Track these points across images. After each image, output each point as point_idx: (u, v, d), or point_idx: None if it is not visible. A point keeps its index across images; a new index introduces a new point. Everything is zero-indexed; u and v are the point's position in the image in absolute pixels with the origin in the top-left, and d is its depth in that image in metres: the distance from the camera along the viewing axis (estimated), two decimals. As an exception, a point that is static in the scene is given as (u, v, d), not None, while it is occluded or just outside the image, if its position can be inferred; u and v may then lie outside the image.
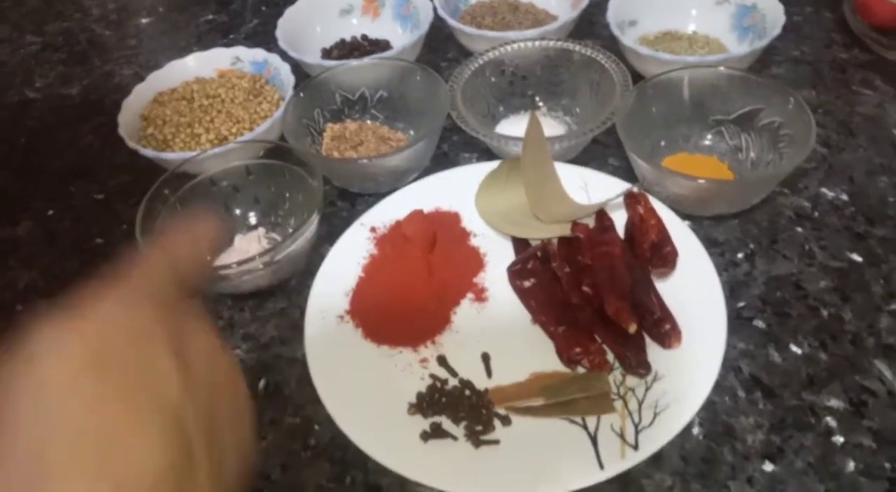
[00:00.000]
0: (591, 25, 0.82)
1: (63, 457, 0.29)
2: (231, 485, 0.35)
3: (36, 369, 0.30)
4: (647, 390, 0.49)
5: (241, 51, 0.76)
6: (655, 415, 0.47)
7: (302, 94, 0.68)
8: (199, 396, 0.33)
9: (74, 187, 0.74)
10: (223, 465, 0.34)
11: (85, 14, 1.01)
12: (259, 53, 0.75)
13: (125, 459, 0.30)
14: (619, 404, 0.48)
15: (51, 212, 0.72)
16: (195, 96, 0.72)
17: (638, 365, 0.49)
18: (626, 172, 0.65)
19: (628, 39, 0.71)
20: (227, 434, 0.35)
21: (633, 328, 0.49)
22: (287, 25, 0.78)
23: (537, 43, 0.71)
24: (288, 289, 0.61)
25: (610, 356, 0.51)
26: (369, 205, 0.64)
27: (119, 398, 0.31)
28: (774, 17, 0.70)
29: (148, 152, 0.65)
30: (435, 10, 0.78)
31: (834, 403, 0.49)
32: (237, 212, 0.64)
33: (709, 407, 0.49)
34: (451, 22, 0.76)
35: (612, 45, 0.73)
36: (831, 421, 0.49)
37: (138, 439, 0.30)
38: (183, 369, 0.33)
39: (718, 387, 0.48)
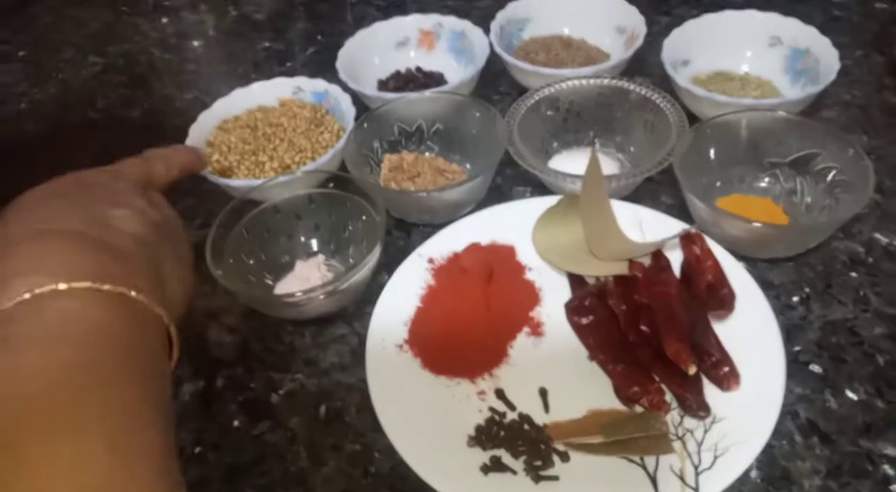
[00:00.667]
0: (642, 64, 0.83)
1: (54, 211, 0.42)
2: (183, 296, 0.47)
3: (26, 194, 0.44)
4: (706, 432, 0.49)
5: (302, 81, 0.78)
6: (715, 457, 0.47)
7: (364, 126, 0.70)
8: (160, 218, 0.47)
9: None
10: (177, 273, 0.47)
11: (144, 37, 1.05)
12: (320, 84, 0.77)
13: (107, 216, 0.43)
14: (677, 445, 0.49)
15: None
16: (259, 125, 0.74)
17: (698, 407, 0.50)
18: (680, 211, 0.66)
19: (682, 79, 0.72)
20: (182, 257, 0.49)
21: (692, 370, 0.50)
22: (346, 56, 0.81)
23: (592, 81, 0.72)
24: (347, 315, 0.63)
25: (668, 396, 0.52)
26: (425, 235, 0.65)
27: (100, 191, 0.45)
28: (828, 61, 0.71)
29: (217, 179, 0.67)
30: (490, 45, 0.80)
31: (891, 451, 0.50)
32: (300, 239, 0.66)
33: (766, 451, 0.49)
34: (507, 58, 0.78)
35: (664, 84, 0.74)
36: (889, 469, 0.49)
37: (117, 210, 0.44)
38: (148, 201, 0.48)
39: (776, 431, 0.48)
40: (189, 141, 0.72)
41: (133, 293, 0.39)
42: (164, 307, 0.41)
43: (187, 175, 0.58)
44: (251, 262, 0.63)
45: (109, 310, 0.38)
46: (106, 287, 0.38)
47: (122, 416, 0.34)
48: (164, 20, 1.07)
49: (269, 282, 0.64)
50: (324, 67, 0.84)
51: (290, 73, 0.82)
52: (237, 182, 0.67)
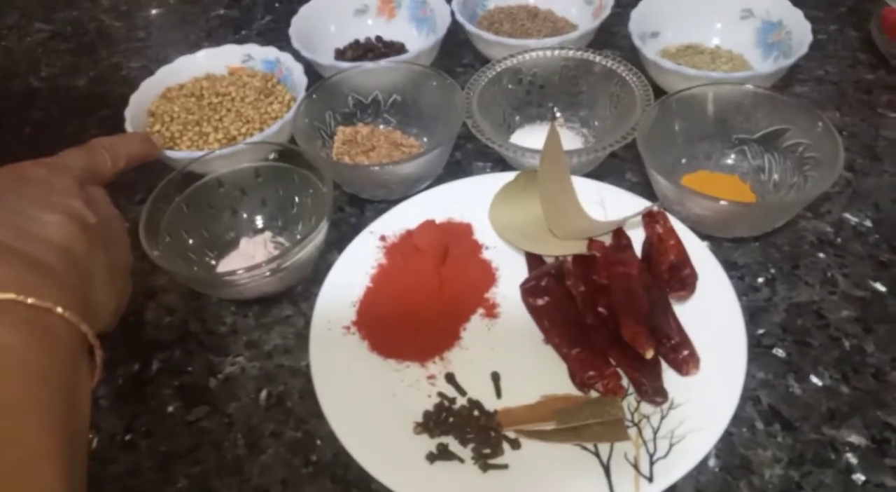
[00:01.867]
0: (611, 35, 0.80)
1: None
2: (114, 308, 0.47)
3: None
4: (662, 418, 0.47)
5: (253, 48, 0.74)
6: (671, 445, 0.45)
7: (314, 96, 0.66)
8: (98, 221, 0.46)
9: (77, 182, 0.72)
10: (108, 285, 0.46)
11: (95, 3, 1.00)
12: (271, 52, 0.73)
13: (35, 224, 0.41)
14: (633, 431, 0.47)
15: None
16: (205, 94, 0.70)
17: (654, 393, 0.47)
18: (644, 188, 0.63)
19: (650, 52, 0.69)
20: (116, 264, 0.48)
21: (650, 354, 0.47)
22: (301, 24, 0.77)
23: (556, 52, 0.69)
24: (293, 295, 0.60)
25: (624, 381, 0.50)
26: (379, 212, 0.62)
27: (34, 191, 0.44)
28: (801, 35, 0.69)
29: (156, 150, 0.63)
30: (452, 14, 0.76)
31: (855, 439, 0.48)
32: (244, 215, 0.63)
33: (726, 438, 0.47)
34: (469, 27, 0.74)
35: (632, 57, 0.71)
36: (852, 458, 0.47)
37: (48, 215, 0.42)
38: (87, 199, 0.47)
39: (736, 418, 0.46)
40: (130, 110, 0.68)
41: (59, 309, 0.38)
42: (88, 323, 0.40)
43: (137, 164, 0.56)
44: (191, 239, 0.59)
45: (21, 329, 0.36)
46: (30, 301, 0.36)
47: (18, 447, 0.32)
48: (116, -14, 1.02)
49: (212, 261, 0.60)
50: (280, 36, 0.80)
51: (244, 42, 0.78)
52: (178, 154, 0.63)
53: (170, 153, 0.63)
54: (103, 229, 0.47)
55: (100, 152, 0.53)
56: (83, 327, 0.39)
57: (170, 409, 0.53)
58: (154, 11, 0.97)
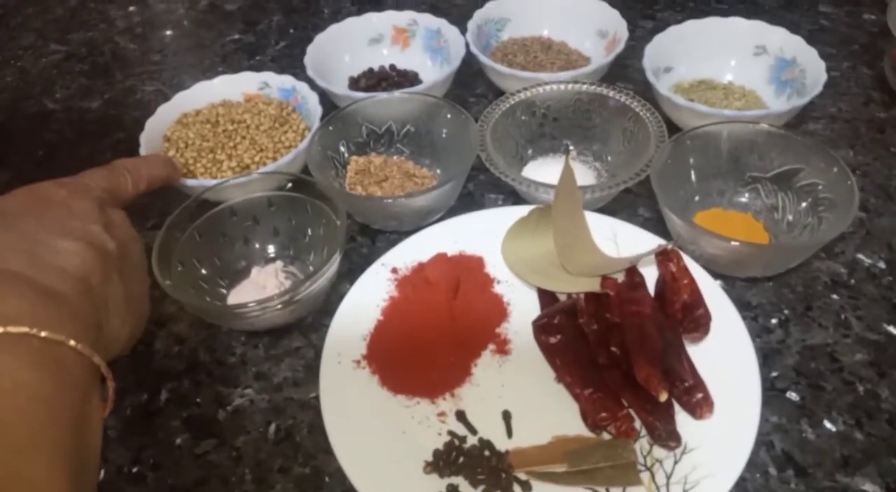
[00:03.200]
0: (624, 68, 0.80)
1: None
2: (128, 336, 0.48)
3: None
4: (675, 463, 0.47)
5: (269, 76, 0.74)
6: (685, 491, 0.45)
7: (329, 126, 0.67)
8: (117, 246, 0.46)
9: (90, 205, 0.72)
10: (122, 313, 0.46)
11: (110, 25, 1.00)
12: (288, 80, 0.74)
13: (51, 251, 0.41)
14: (645, 476, 0.46)
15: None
16: (220, 120, 0.70)
17: (668, 437, 0.47)
18: (657, 224, 0.63)
19: (663, 87, 0.69)
20: (133, 290, 0.48)
21: (663, 397, 0.47)
22: (316, 52, 0.77)
23: (570, 86, 0.69)
24: (303, 327, 0.59)
25: (637, 423, 0.49)
26: (391, 242, 0.62)
27: (53, 215, 0.44)
28: (815, 73, 0.69)
29: (169, 177, 0.64)
30: (467, 45, 0.77)
31: (869, 487, 0.47)
32: (256, 244, 0.63)
33: (739, 484, 0.46)
34: (483, 59, 0.74)
35: (646, 90, 0.71)
36: (866, 506, 0.46)
37: (65, 242, 0.42)
38: (107, 222, 0.47)
39: (749, 463, 0.45)
40: (145, 135, 0.68)
41: (72, 342, 0.38)
42: (100, 352, 0.40)
43: (158, 187, 0.56)
44: (203, 268, 0.59)
45: (33, 363, 0.36)
46: (43, 334, 0.36)
47: (25, 486, 0.32)
48: (132, 8, 1.03)
49: (223, 290, 0.60)
50: (295, 62, 0.81)
51: (259, 68, 0.78)
52: (192, 182, 0.63)
53: (184, 181, 0.63)
54: (121, 255, 0.47)
55: (122, 173, 0.53)
56: (95, 359, 0.39)
57: (178, 441, 0.53)
58: (169, 35, 0.97)
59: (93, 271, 0.43)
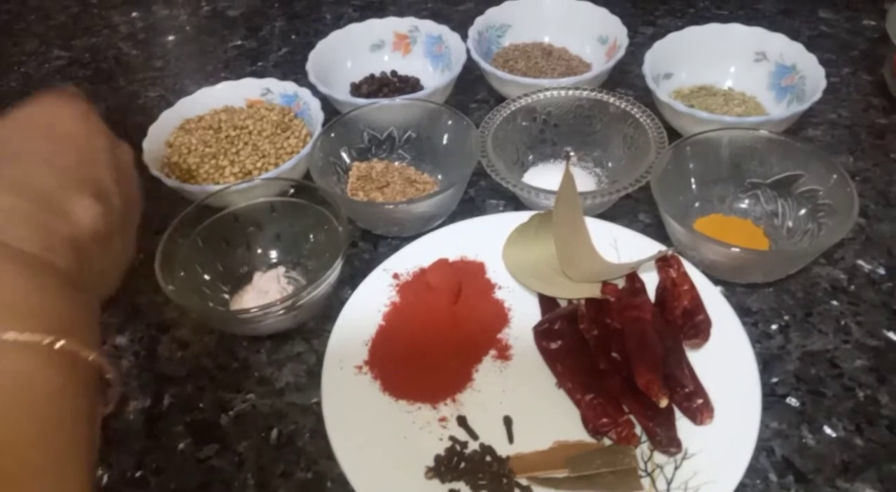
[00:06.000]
0: (624, 74, 0.81)
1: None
2: (117, 278, 0.43)
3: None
4: (676, 468, 0.47)
5: (272, 82, 0.75)
6: (685, 497, 0.45)
7: (330, 132, 0.67)
8: (119, 194, 0.41)
9: (93, 210, 0.73)
10: (120, 263, 0.43)
11: (113, 31, 1.01)
12: (290, 86, 0.74)
13: (62, 216, 0.36)
14: (646, 481, 0.46)
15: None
16: (223, 126, 0.71)
17: (668, 443, 0.47)
18: (657, 230, 0.63)
19: (663, 93, 0.70)
20: (128, 237, 0.44)
21: (664, 403, 0.47)
22: (317, 59, 0.77)
23: (571, 92, 0.70)
24: (305, 331, 0.60)
25: (638, 429, 0.49)
26: (392, 248, 0.62)
27: (69, 163, 0.38)
28: (814, 80, 0.69)
29: (172, 183, 0.64)
30: (468, 51, 0.77)
31: (869, 493, 0.47)
32: (258, 250, 0.63)
33: (739, 490, 0.47)
34: (484, 65, 0.75)
35: (646, 96, 0.72)
36: (866, 513, 0.47)
37: (77, 198, 0.37)
38: (116, 158, 0.42)
39: (750, 469, 0.46)
40: (148, 141, 0.69)
41: (90, 357, 0.33)
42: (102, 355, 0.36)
43: None
44: (206, 274, 0.60)
45: (61, 371, 0.32)
46: (60, 344, 0.32)
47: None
48: (135, 14, 1.03)
49: (226, 295, 0.61)
50: (296, 68, 0.81)
51: (262, 74, 0.79)
52: (194, 188, 0.64)
53: (186, 186, 0.64)
54: (124, 210, 0.42)
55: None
56: (110, 369, 0.35)
57: (180, 446, 0.53)
58: (172, 41, 0.98)
59: (102, 226, 0.38)
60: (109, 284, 0.42)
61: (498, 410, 0.52)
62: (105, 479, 0.51)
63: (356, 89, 0.81)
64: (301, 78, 0.76)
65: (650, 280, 0.57)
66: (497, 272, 0.61)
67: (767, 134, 0.62)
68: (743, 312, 0.57)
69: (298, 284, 0.62)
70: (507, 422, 0.51)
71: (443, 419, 0.52)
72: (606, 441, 0.49)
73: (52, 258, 0.35)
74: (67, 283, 0.35)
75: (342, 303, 0.57)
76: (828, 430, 0.51)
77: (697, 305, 0.54)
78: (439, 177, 0.70)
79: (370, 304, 0.58)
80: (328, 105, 0.73)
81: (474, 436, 0.51)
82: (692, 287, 0.55)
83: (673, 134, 0.68)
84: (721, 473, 0.45)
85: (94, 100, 0.86)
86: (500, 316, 0.58)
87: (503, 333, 0.57)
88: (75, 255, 0.37)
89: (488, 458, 0.49)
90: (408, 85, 0.80)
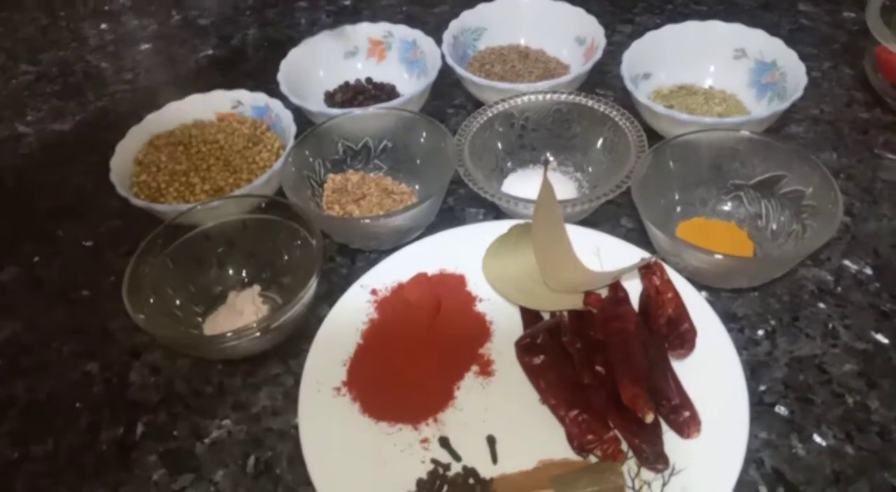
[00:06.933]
0: (603, 75, 0.79)
1: None
2: None
3: None
4: (664, 484, 0.46)
5: (242, 94, 0.73)
6: (673, 516, 0.44)
7: (303, 144, 0.65)
8: None
9: (63, 231, 0.71)
10: None
11: (82, 43, 0.99)
12: (261, 98, 0.72)
13: None
14: (633, 500, 0.45)
15: (37, 258, 0.68)
16: (193, 141, 0.69)
17: (655, 459, 0.46)
18: (640, 235, 0.62)
19: (642, 94, 0.68)
20: None
21: (650, 418, 0.46)
22: (289, 68, 0.76)
23: (549, 96, 0.68)
24: (281, 352, 0.58)
25: (624, 445, 0.48)
26: (370, 262, 0.61)
27: None
28: (795, 76, 0.68)
29: (140, 202, 0.62)
30: (443, 57, 0.75)
31: (862, 503, 0.46)
32: (231, 269, 0.61)
33: (729, 505, 0.46)
34: (460, 71, 0.73)
35: (625, 97, 0.70)
36: (860, 524, 0.45)
37: None
38: None
39: (739, 482, 0.45)
40: (116, 159, 0.67)
41: None
42: None
43: None
44: (177, 296, 0.58)
45: None
46: None
47: None
48: (104, 26, 1.01)
49: (199, 317, 0.59)
50: (269, 78, 0.79)
51: (234, 83, 0.77)
52: (163, 207, 0.62)
53: (155, 206, 0.62)
54: None
55: None
56: None
57: (154, 476, 0.51)
58: (142, 52, 0.96)
59: None
60: None
61: (481, 429, 0.51)
62: (77, 514, 0.50)
63: (330, 98, 0.79)
64: (275, 87, 0.74)
65: (633, 288, 0.56)
66: (478, 284, 0.59)
67: (749, 134, 0.61)
68: (728, 317, 0.56)
69: (274, 302, 0.60)
70: (491, 441, 0.50)
71: (424, 440, 0.50)
72: (592, 458, 0.48)
73: None
74: None
75: (320, 321, 0.56)
76: (818, 438, 0.50)
77: (682, 314, 0.53)
78: (417, 186, 0.68)
79: (348, 322, 0.57)
80: (302, 116, 0.72)
81: (457, 457, 0.49)
82: (676, 295, 0.54)
83: (653, 136, 0.67)
84: (710, 488, 0.44)
85: (62, 116, 0.85)
86: (481, 330, 0.57)
87: (485, 347, 0.56)
88: None
89: (471, 480, 0.48)
90: (383, 92, 0.79)
